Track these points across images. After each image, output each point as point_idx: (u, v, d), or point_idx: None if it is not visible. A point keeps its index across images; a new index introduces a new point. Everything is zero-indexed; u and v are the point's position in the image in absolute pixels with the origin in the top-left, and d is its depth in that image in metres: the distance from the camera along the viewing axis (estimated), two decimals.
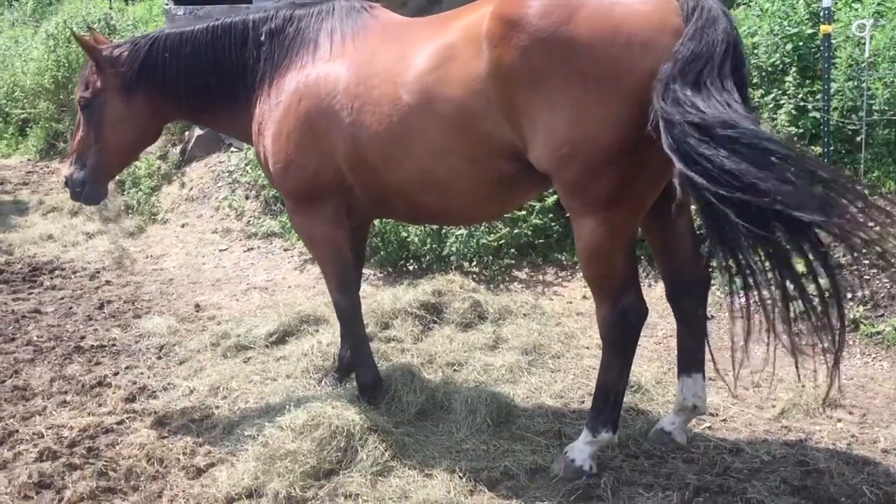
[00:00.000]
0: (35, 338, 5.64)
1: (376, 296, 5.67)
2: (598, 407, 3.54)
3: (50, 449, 4.05)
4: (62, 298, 6.46)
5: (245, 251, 7.24)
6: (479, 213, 4.10)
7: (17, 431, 4.33)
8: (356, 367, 4.36)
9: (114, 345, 5.47)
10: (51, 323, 5.93)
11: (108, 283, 6.79)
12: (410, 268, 6.22)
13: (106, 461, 3.94)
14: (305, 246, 4.49)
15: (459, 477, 3.60)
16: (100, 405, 4.61)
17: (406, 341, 4.99)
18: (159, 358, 5.22)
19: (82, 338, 5.60)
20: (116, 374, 5.00)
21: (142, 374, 5.00)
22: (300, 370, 4.80)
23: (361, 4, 4.12)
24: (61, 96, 11.46)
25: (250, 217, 7.73)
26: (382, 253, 6.15)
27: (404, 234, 6.08)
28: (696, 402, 3.70)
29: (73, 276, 7.00)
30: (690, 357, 3.70)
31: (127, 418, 4.42)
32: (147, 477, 3.80)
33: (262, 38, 4.14)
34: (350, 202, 4.03)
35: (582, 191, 3.22)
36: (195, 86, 4.27)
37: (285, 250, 7.09)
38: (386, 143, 3.65)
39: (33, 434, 4.29)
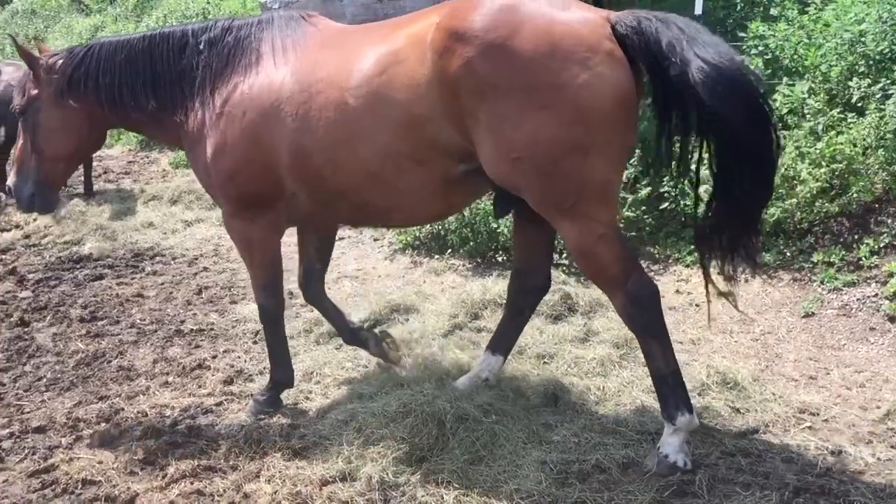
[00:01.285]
0: (138, 321, 5.87)
1: (465, 286, 5.69)
2: (663, 395, 3.58)
3: (154, 427, 4.22)
4: (163, 283, 6.70)
5: (336, 240, 7.34)
6: (424, 214, 4.12)
7: (123, 409, 4.53)
8: (272, 363, 4.48)
9: (212, 329, 5.65)
10: (153, 307, 6.16)
11: (205, 269, 7.01)
12: (500, 259, 6.22)
13: (206, 441, 4.09)
14: (238, 250, 4.45)
15: (550, 468, 3.59)
16: (199, 387, 4.77)
17: None
18: (255, 343, 5.37)
19: (182, 322, 5.81)
20: (215, 357, 5.17)
21: (239, 357, 5.16)
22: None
23: (300, 14, 4.19)
24: None
25: None
26: (471, 244, 6.16)
27: (494, 224, 6.08)
28: (489, 376, 4.26)
29: (172, 263, 7.25)
30: (503, 342, 4.30)
31: (225, 400, 4.58)
32: (245, 457, 3.91)
33: (201, 46, 4.15)
34: (292, 207, 4.10)
35: (542, 193, 3.41)
36: (129, 93, 4.24)
37: (375, 240, 7.18)
38: (332, 147, 3.73)
39: (137, 413, 4.48)
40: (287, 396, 4.47)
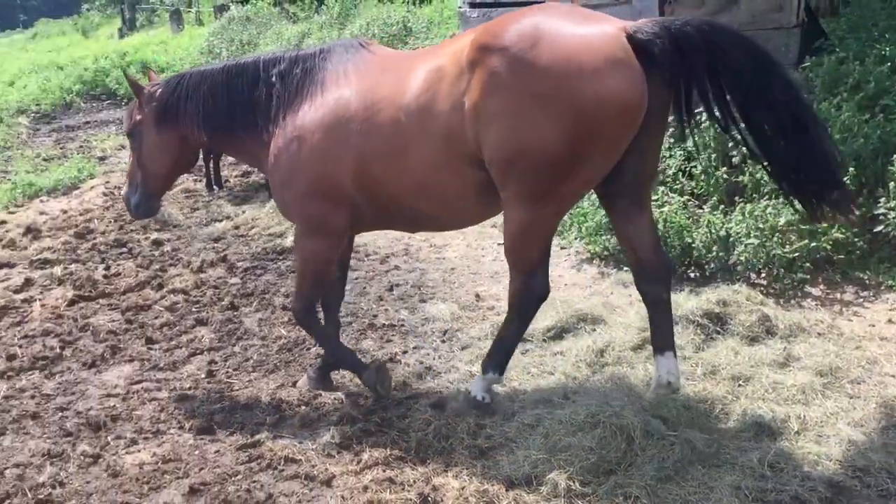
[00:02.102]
0: None
1: None
2: (493, 353, 4.36)
3: (349, 414, 4.44)
4: (357, 279, 7.01)
5: None
6: (468, 217, 4.50)
7: (321, 395, 4.79)
8: (327, 355, 4.90)
9: (402, 325, 5.86)
10: (348, 300, 6.46)
11: (396, 267, 7.27)
12: (692, 275, 6.04)
13: (398, 432, 4.25)
14: (300, 261, 4.74)
15: (745, 495, 3.46)
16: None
17: (687, 349, 4.85)
18: (443, 341, 5.51)
19: (375, 316, 6.06)
20: (405, 352, 5.36)
21: (428, 354, 5.32)
22: (576, 367, 4.85)
23: (359, 41, 4.61)
24: None
25: None
26: None
27: (688, 239, 5.91)
28: (671, 380, 4.20)
29: (365, 260, 7.57)
30: (661, 338, 4.24)
31: (415, 394, 4.73)
32: (434, 451, 4.04)
33: (273, 79, 4.57)
34: (355, 217, 4.48)
35: (518, 187, 3.79)
36: (212, 120, 4.73)
37: (562, 248, 7.18)
38: (387, 158, 4.14)
39: (334, 399, 4.73)
40: (482, 388, 4.55)
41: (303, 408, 4.62)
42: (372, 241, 8.06)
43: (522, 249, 4.02)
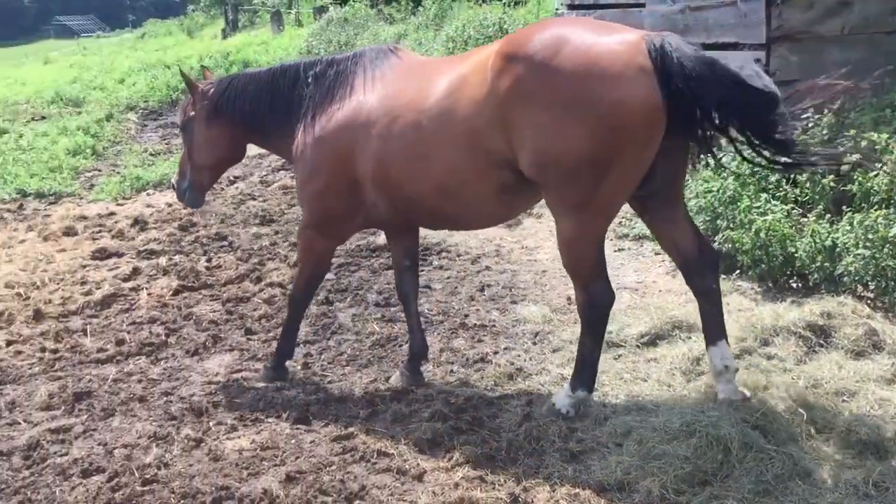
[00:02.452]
0: (426, 311, 6.25)
1: (754, 310, 5.43)
2: (578, 371, 4.32)
3: (440, 412, 4.48)
4: (448, 278, 7.07)
5: (615, 251, 7.34)
6: (487, 218, 4.64)
7: (413, 391, 4.86)
8: (282, 339, 5.14)
9: (493, 326, 5.88)
10: (439, 299, 6.53)
11: (487, 268, 7.29)
12: (794, 285, 5.86)
13: (489, 431, 4.28)
14: (300, 251, 5.11)
15: None
16: (481, 379, 5.00)
17: (788, 361, 4.72)
18: (534, 343, 5.51)
19: (466, 316, 6.10)
20: (496, 353, 5.38)
21: (519, 356, 5.32)
22: (671, 375, 4.78)
23: (389, 48, 4.83)
24: None
25: (622, 218, 7.81)
26: (763, 266, 5.86)
27: (792, 249, 5.74)
28: (727, 363, 4.23)
29: (457, 259, 7.62)
30: (712, 327, 4.29)
31: (506, 395, 4.75)
32: (525, 452, 4.04)
33: (309, 80, 4.84)
34: (372, 215, 4.72)
35: (559, 194, 3.95)
36: (256, 117, 5.05)
37: (656, 254, 7.07)
38: (409, 161, 4.32)
39: (425, 395, 4.78)
40: (568, 404, 4.54)
41: (395, 403, 4.69)
42: (463, 241, 8.12)
43: (577, 259, 4.12)
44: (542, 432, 4.19)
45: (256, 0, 34.13)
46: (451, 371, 5.13)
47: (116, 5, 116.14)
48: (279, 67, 5.14)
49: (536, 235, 8.18)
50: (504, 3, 15.56)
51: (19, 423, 4.74)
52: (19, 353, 5.91)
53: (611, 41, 3.79)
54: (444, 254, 7.79)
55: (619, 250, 7.36)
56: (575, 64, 3.74)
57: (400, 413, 4.55)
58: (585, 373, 4.31)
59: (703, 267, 4.26)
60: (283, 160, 12.52)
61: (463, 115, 4.06)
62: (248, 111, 5.08)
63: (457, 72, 4.21)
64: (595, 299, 4.13)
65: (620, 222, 7.76)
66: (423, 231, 8.35)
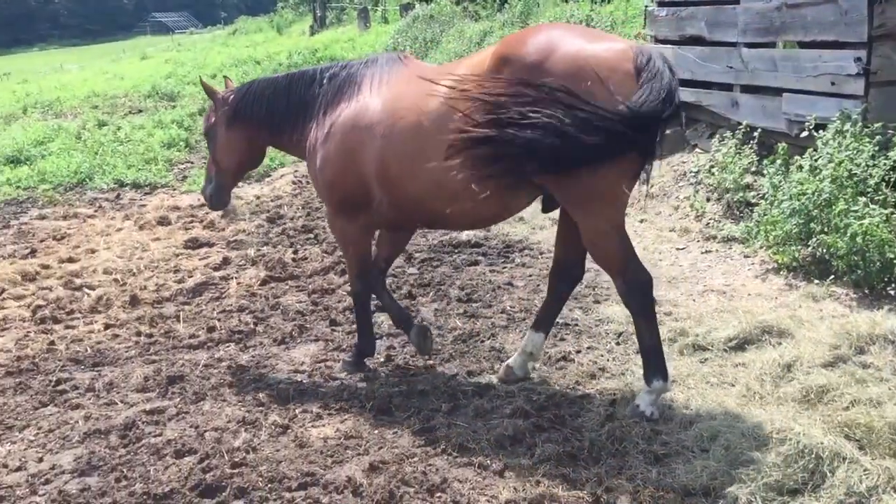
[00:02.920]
0: (508, 307, 6.26)
1: (849, 317, 5.25)
2: (646, 363, 4.36)
3: (522, 408, 4.48)
4: (531, 275, 7.06)
5: (702, 253, 7.20)
6: (483, 216, 4.74)
7: (494, 387, 4.87)
8: (359, 334, 5.33)
9: (576, 325, 5.84)
10: (521, 296, 6.53)
11: None
12: (892, 292, 5.64)
13: (570, 430, 4.26)
14: (337, 243, 5.60)
15: None
16: (563, 377, 4.97)
17: (884, 371, 4.53)
18: (618, 343, 5.45)
19: None
20: (578, 352, 5.34)
21: (601, 356, 5.28)
22: (760, 381, 4.65)
23: (398, 55, 5.07)
24: None
25: (710, 219, 7.65)
26: (859, 272, 5.65)
27: (890, 255, 5.51)
28: (534, 351, 4.88)
29: (539, 256, 7.59)
30: (546, 320, 4.91)
31: (588, 394, 4.71)
32: (608, 452, 4.01)
33: (324, 80, 5.11)
34: (378, 213, 4.87)
35: (568, 192, 4.17)
36: (273, 118, 5.30)
37: (745, 257, 6.90)
38: (408, 160, 4.50)
39: (507, 392, 4.79)
40: (650, 403, 4.48)
41: (477, 399, 4.71)
42: (546, 239, 8.08)
43: (604, 251, 4.28)
44: (625, 433, 4.14)
45: None
46: (533, 369, 5.11)
47: (209, 3, 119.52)
48: (297, 72, 5.44)
49: None
50: (592, 0, 15.40)
51: (116, 404, 4.95)
52: (116, 336, 6.18)
53: (599, 47, 4.06)
54: (526, 251, 7.77)
55: (706, 252, 7.21)
56: (565, 66, 3.97)
57: (481, 408, 4.57)
58: (655, 362, 4.33)
59: (572, 275, 4.79)
60: None
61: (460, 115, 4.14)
62: (266, 113, 5.35)
63: (458, 74, 4.35)
64: (633, 284, 4.24)
65: (708, 224, 7.61)
66: (505, 228, 8.44)
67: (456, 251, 7.87)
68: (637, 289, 4.24)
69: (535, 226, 8.58)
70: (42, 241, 9.16)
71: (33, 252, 8.65)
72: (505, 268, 7.34)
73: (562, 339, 5.59)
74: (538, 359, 4.96)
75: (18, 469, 4.25)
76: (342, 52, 21.67)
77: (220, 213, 7.56)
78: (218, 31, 63.35)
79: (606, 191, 4.11)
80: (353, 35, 26.06)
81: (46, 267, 8.03)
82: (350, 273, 5.35)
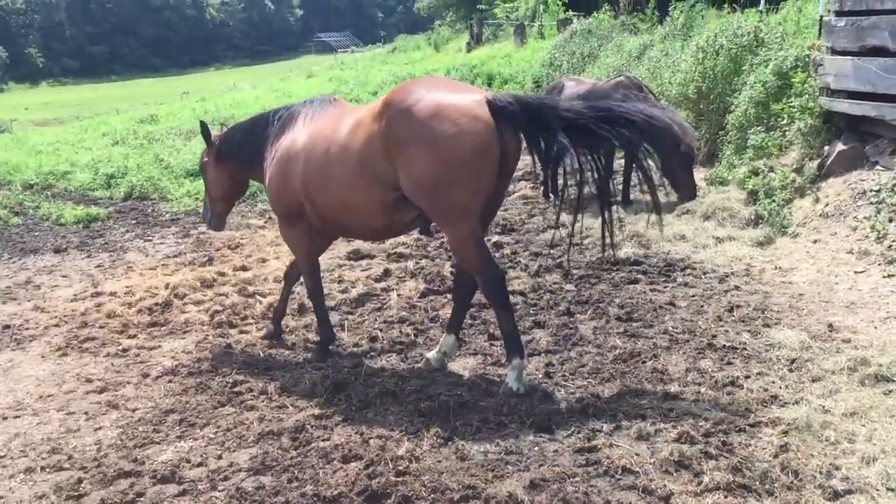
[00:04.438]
0: (671, 328, 6.09)
1: None
2: (505, 345, 5.24)
3: (688, 433, 4.34)
4: (693, 296, 6.84)
5: (884, 277, 6.73)
6: (375, 228, 5.69)
7: (657, 410, 4.74)
8: (319, 325, 6.24)
9: (744, 348, 5.60)
10: (684, 317, 6.33)
11: (736, 288, 6.97)
12: None
13: (740, 459, 4.08)
14: (289, 248, 6.43)
15: None
16: (732, 403, 4.77)
17: None
18: (791, 370, 5.18)
19: (713, 336, 5.86)
20: (747, 377, 5.12)
21: (773, 382, 5.03)
22: None
23: (329, 98, 6.08)
24: (701, 106, 12.10)
25: (893, 241, 7.15)
26: None
27: None
28: (448, 350, 5.70)
29: (703, 277, 7.35)
30: (454, 325, 5.74)
31: (758, 422, 4.50)
32: (781, 485, 3.81)
33: (275, 121, 6.19)
34: (311, 223, 5.95)
35: (428, 207, 5.08)
36: (243, 155, 6.44)
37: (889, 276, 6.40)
38: (320, 180, 5.57)
39: (671, 415, 4.65)
40: (827, 436, 4.23)
41: (639, 420, 4.61)
42: (709, 258, 7.83)
43: (464, 255, 5.15)
44: (800, 466, 3.94)
45: (501, 14, 34.95)
46: (699, 392, 4.94)
47: (370, 22, 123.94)
48: (258, 116, 6.59)
49: (791, 256, 7.69)
50: (760, 11, 14.80)
51: (287, 408, 5.18)
52: (286, 342, 6.47)
53: (459, 98, 4.98)
54: (688, 270, 7.54)
55: (889, 276, 6.74)
56: (426, 112, 4.91)
57: (644, 431, 4.46)
58: (512, 343, 5.17)
59: (467, 285, 5.57)
60: (523, 170, 12.78)
61: (358, 145, 5.26)
62: (237, 152, 6.50)
63: (357, 114, 5.45)
64: (489, 281, 5.08)
65: (890, 246, 7.11)
66: (666, 246, 8.23)
67: (615, 269, 7.75)
68: (493, 284, 5.09)
69: (698, 244, 8.32)
70: (218, 249, 9.77)
71: (210, 260, 9.23)
72: (666, 287, 7.14)
73: (729, 364, 5.37)
74: (452, 356, 5.72)
75: (200, 465, 4.53)
76: (498, 68, 21.87)
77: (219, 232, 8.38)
78: (378, 49, 65.55)
79: (462, 207, 4.96)
80: (510, 51, 26.24)
81: (222, 274, 8.55)
82: (304, 274, 6.25)
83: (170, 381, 5.84)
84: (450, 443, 4.52)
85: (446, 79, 5.89)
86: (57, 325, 7.51)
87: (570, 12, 26.38)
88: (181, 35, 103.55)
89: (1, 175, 17.40)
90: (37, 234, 12.23)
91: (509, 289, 7.13)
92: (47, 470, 4.65)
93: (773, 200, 8.73)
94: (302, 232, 6.04)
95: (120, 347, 6.72)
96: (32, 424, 5.33)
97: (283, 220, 6.14)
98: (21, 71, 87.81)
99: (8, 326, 7.57)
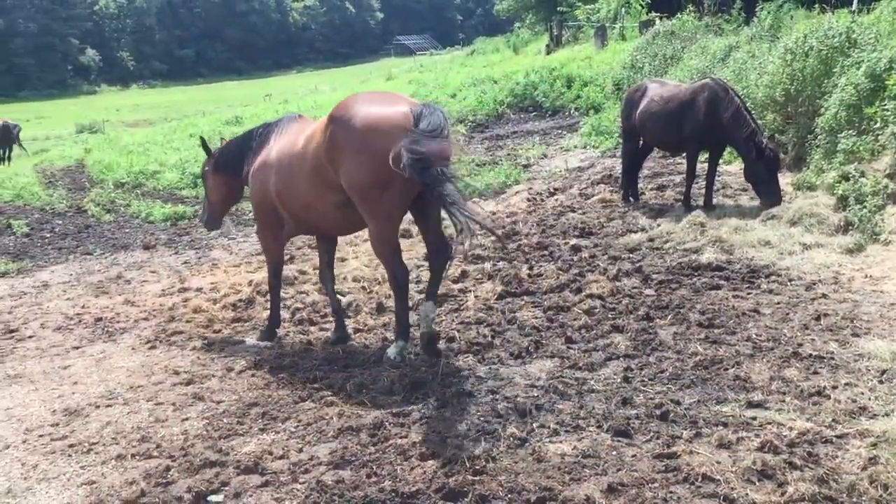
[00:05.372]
0: (754, 335, 5.95)
1: None
2: (397, 327, 6.10)
3: (771, 443, 4.25)
4: (778, 303, 6.66)
5: None
6: (335, 227, 6.56)
7: (739, 418, 4.64)
8: (271, 313, 7.11)
9: (832, 358, 5.44)
10: (768, 325, 6.18)
11: (824, 296, 6.77)
12: None
13: (827, 470, 3.97)
14: (262, 248, 7.40)
15: None
16: (818, 413, 4.65)
17: None
18: (881, 382, 5.01)
19: (799, 345, 5.70)
20: (835, 387, 4.97)
21: (862, 394, 4.87)
22: None
23: (296, 116, 7.01)
24: (788, 109, 11.78)
25: None
26: None
27: None
28: (428, 314, 6.03)
29: (788, 284, 7.15)
30: (430, 290, 6.10)
31: (846, 434, 4.37)
32: (870, 498, 3.70)
33: (257, 136, 7.03)
34: (288, 225, 6.72)
35: (360, 206, 5.79)
36: (235, 166, 7.24)
37: None
38: (287, 186, 6.35)
39: (752, 424, 4.55)
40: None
41: (720, 428, 4.53)
42: (796, 265, 7.63)
43: (379, 251, 5.98)
44: (890, 479, 3.81)
45: (581, 16, 34.67)
46: (783, 402, 4.83)
47: (449, 25, 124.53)
48: (247, 132, 7.35)
49: (883, 264, 7.42)
50: (852, 11, 14.32)
51: (366, 404, 5.27)
52: (364, 340, 6.58)
53: (388, 109, 5.68)
54: (773, 277, 7.36)
55: None
56: (362, 124, 5.61)
57: (726, 439, 4.38)
58: (403, 327, 6.06)
59: (438, 254, 6.04)
60: (602, 174, 12.67)
61: (310, 156, 6.01)
62: (231, 163, 7.30)
63: (311, 129, 6.20)
64: (397, 275, 5.91)
65: None
66: (750, 252, 8.04)
67: (696, 274, 7.62)
68: (399, 278, 5.90)
69: (784, 251, 8.10)
70: (299, 248, 9.98)
71: (291, 259, 9.45)
72: (750, 293, 6.98)
73: (815, 373, 5.23)
74: (431, 319, 6.03)
75: (281, 457, 4.64)
76: (579, 71, 21.69)
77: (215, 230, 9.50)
78: (456, 51, 65.82)
79: (383, 211, 5.73)
80: (590, 53, 26.01)
81: (303, 273, 8.74)
82: (268, 270, 7.16)
83: (253, 376, 6.01)
84: (526, 444, 4.52)
85: (382, 93, 6.58)
86: (146, 319, 7.81)
87: (653, 14, 25.98)
88: (265, 39, 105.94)
89: (95, 174, 18.14)
90: (127, 230, 12.73)
91: (587, 292, 7.15)
92: (137, 457, 4.83)
93: (865, 206, 8.43)
94: (275, 237, 6.92)
95: (206, 341, 6.94)
96: (123, 413, 5.55)
97: (261, 224, 6.99)
98: (113, 74, 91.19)
99: (100, 319, 7.90)
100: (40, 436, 5.30)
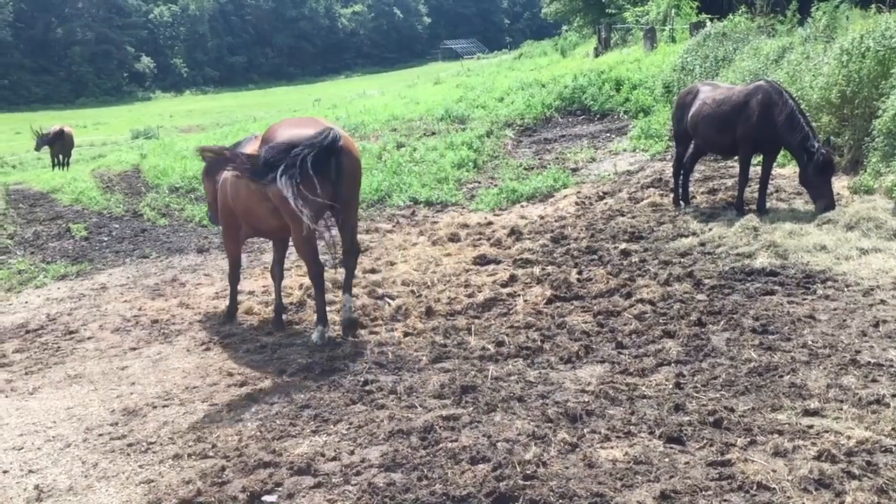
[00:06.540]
0: (810, 342, 5.84)
1: None
2: (317, 314, 7.11)
3: (828, 452, 4.17)
4: (835, 309, 6.53)
5: None
6: (277, 230, 7.42)
7: (794, 426, 4.56)
8: (230, 301, 8.16)
9: (891, 366, 5.31)
10: (824, 331, 6.06)
11: (882, 302, 6.61)
12: None
13: (886, 480, 3.89)
14: (225, 249, 8.48)
15: None
16: (877, 422, 4.55)
17: None
18: None
19: (857, 352, 5.59)
20: (894, 396, 4.86)
21: None
22: None
23: (254, 135, 7.85)
24: (844, 111, 11.53)
25: None
26: None
27: None
28: (348, 305, 7.14)
29: (845, 290, 7.01)
30: (346, 285, 7.22)
31: None
32: None
33: (236, 148, 7.66)
34: (246, 228, 7.80)
35: (285, 214, 6.70)
36: (216, 173, 7.91)
37: None
38: (239, 195, 7.30)
39: (809, 433, 4.47)
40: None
41: (775, 436, 4.46)
42: (853, 270, 7.46)
43: (300, 252, 6.99)
44: None
45: (630, 19, 34.37)
46: (840, 409, 4.73)
47: (496, 29, 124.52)
48: (235, 143, 8.07)
49: None
50: None
51: (416, 408, 5.30)
52: (414, 344, 6.62)
53: (302, 131, 6.64)
54: (829, 283, 7.21)
55: None
56: (278, 141, 6.53)
57: (781, 447, 4.31)
58: (320, 315, 7.03)
59: (349, 256, 7.14)
60: (652, 177, 12.55)
61: None
62: (212, 170, 8.01)
63: (254, 145, 7.11)
64: (314, 273, 6.91)
65: None
66: (805, 257, 7.89)
67: (749, 279, 7.51)
68: (316, 274, 6.92)
69: (840, 256, 7.92)
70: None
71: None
72: (805, 299, 6.86)
73: (874, 381, 5.11)
74: (350, 309, 7.12)
75: (333, 459, 4.69)
76: (628, 73, 21.47)
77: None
78: (504, 55, 65.74)
79: (296, 215, 6.37)
80: (639, 56, 25.73)
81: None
82: (230, 266, 8.16)
83: (304, 378, 6.08)
84: (577, 449, 4.51)
85: (303, 118, 7.48)
86: (200, 321, 7.95)
87: (704, 15, 25.63)
88: (314, 45, 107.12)
89: (150, 178, 18.53)
90: (182, 234, 12.98)
91: (637, 297, 7.10)
92: (193, 457, 4.93)
93: None
94: (233, 238, 8.01)
95: (258, 344, 7.04)
96: (179, 414, 5.67)
97: (225, 228, 8.03)
98: (167, 80, 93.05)
99: (157, 321, 8.08)
100: (100, 435, 5.44)
